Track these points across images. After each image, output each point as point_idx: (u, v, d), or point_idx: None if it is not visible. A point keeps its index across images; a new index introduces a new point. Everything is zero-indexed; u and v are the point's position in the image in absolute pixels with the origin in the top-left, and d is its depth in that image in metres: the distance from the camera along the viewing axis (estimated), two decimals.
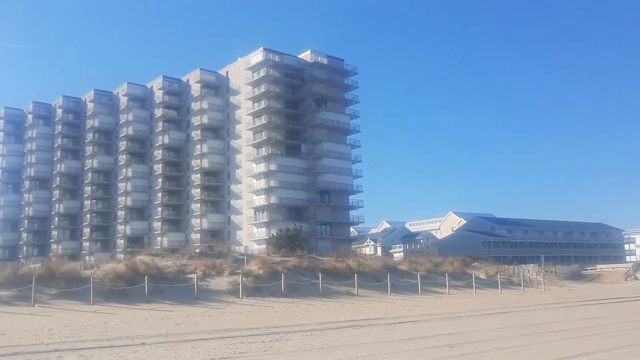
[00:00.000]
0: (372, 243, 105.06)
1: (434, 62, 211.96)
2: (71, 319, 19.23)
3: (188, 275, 27.46)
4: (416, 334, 16.07)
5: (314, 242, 72.43)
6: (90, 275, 25.47)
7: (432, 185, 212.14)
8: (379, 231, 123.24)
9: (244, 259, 32.49)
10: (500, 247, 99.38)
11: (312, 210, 78.35)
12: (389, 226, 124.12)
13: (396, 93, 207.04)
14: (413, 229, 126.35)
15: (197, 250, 41.03)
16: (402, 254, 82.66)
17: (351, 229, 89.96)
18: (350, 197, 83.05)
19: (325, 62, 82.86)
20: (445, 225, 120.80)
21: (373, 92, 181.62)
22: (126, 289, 24.98)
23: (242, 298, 25.90)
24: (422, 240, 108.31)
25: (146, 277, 25.18)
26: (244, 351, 12.67)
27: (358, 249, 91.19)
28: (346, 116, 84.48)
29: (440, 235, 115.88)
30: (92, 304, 22.69)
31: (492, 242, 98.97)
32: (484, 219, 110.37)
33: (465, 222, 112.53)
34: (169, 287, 26.10)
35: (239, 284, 26.73)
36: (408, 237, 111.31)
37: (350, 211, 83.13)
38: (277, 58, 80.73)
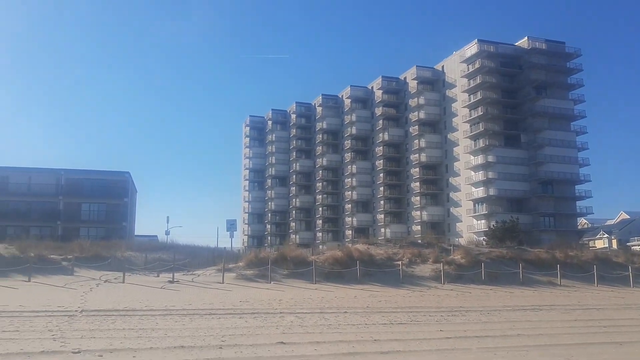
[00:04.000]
0: (606, 235, 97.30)
1: None
2: (297, 293, 23.70)
3: (396, 262, 30.63)
4: (576, 317, 16.95)
5: (537, 235, 70.49)
6: (314, 259, 30.16)
7: None
8: (615, 222, 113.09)
9: (450, 249, 34.65)
10: None
11: (533, 201, 76.24)
12: (628, 217, 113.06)
13: (628, 72, 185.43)
14: None
15: (419, 241, 43.69)
16: None
17: (581, 220, 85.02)
18: (576, 187, 78.73)
19: (544, 47, 79.71)
20: None
21: (601, 73, 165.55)
22: (342, 271, 29.10)
23: (443, 284, 28.28)
24: None
25: (358, 262, 29.07)
26: (419, 320, 15.34)
27: (589, 242, 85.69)
28: (569, 102, 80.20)
29: None
30: (314, 283, 27.14)
31: None
32: None
33: None
34: (378, 271, 29.59)
35: (441, 270, 29.17)
36: None
37: (577, 202, 78.84)
38: (491, 48, 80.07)
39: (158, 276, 27.96)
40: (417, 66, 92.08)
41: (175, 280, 26.19)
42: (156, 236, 59.70)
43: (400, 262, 30.13)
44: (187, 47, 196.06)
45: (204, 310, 17.24)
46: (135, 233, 61.30)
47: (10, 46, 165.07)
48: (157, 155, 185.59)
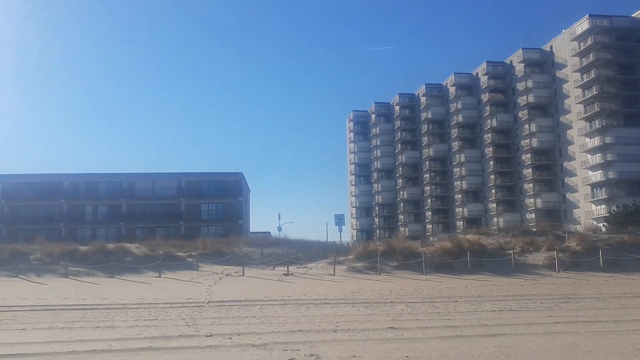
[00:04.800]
0: None
1: None
2: (406, 284, 24.19)
3: (507, 251, 30.14)
4: None
5: None
6: (422, 251, 30.46)
7: None
8: None
9: (565, 236, 33.47)
10: None
11: None
12: None
13: None
14: None
15: (533, 229, 42.46)
16: None
17: None
18: None
19: None
20: None
21: None
22: (452, 262, 29.16)
23: (557, 272, 27.51)
24: None
25: (468, 252, 28.99)
26: (530, 307, 15.38)
27: None
28: None
29: None
30: (424, 274, 27.45)
31: None
32: None
33: None
34: (489, 261, 29.31)
35: (555, 258, 28.37)
36: None
37: None
38: (605, 22, 75.42)
39: (274, 269, 29.57)
40: (523, 48, 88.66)
41: (289, 273, 27.59)
42: (269, 232, 62.33)
43: (512, 251, 29.65)
44: (294, 46, 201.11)
45: (318, 300, 18.26)
46: (250, 230, 64.38)
47: (131, 52, 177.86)
48: (267, 155, 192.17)
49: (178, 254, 32.20)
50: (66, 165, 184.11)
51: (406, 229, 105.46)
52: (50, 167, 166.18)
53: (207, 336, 11.18)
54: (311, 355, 9.25)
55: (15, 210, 56.96)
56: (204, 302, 18.02)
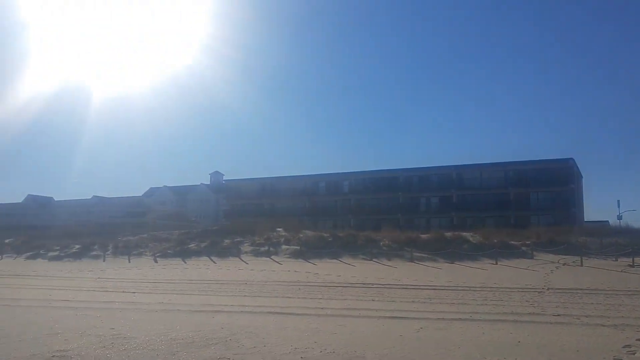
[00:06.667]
0: None
1: None
2: None
3: None
4: None
5: None
6: None
7: None
8: None
9: None
10: None
11: None
12: None
13: None
14: None
15: None
16: None
17: None
18: None
19: None
20: None
21: None
22: None
23: None
24: None
25: None
26: None
27: None
28: None
29: None
30: None
31: None
32: None
33: None
34: None
35: None
36: None
37: None
38: None
39: (616, 260, 28.17)
40: None
41: (635, 264, 26.02)
42: (607, 221, 58.18)
43: None
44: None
45: None
46: (585, 219, 60.96)
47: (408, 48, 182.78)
48: (600, 138, 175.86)
49: (511, 242, 33.13)
50: (401, 161, 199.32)
51: None
52: (386, 164, 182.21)
53: (554, 315, 12.19)
54: None
55: (359, 202, 65.23)
56: (543, 288, 18.75)
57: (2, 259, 40.92)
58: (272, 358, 7.69)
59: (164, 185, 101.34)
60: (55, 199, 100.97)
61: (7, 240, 47.15)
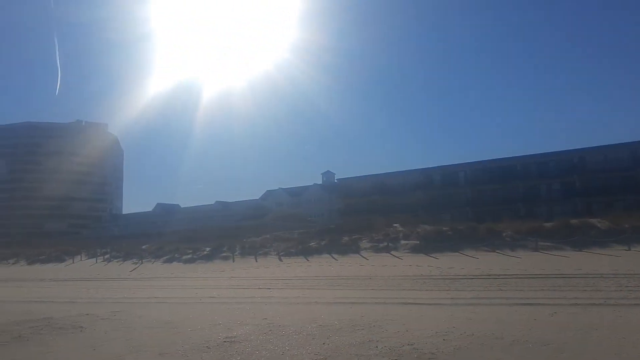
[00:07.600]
0: None
1: None
2: None
3: None
4: None
5: None
6: None
7: None
8: None
9: None
10: None
11: None
12: None
13: None
14: None
15: None
16: None
17: None
18: None
19: None
20: None
21: None
22: None
23: None
24: None
25: None
26: None
27: None
28: None
29: None
30: None
31: None
32: None
33: None
34: None
35: None
36: None
37: None
38: None
39: None
40: None
41: None
42: None
43: None
44: None
45: None
46: None
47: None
48: None
49: None
50: (514, 149, 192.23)
51: None
52: (501, 152, 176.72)
53: None
54: None
55: (476, 194, 64.04)
56: None
57: (142, 263, 44.66)
58: (416, 340, 8.35)
59: (279, 188, 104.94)
60: (182, 206, 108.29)
61: (143, 247, 51.31)
